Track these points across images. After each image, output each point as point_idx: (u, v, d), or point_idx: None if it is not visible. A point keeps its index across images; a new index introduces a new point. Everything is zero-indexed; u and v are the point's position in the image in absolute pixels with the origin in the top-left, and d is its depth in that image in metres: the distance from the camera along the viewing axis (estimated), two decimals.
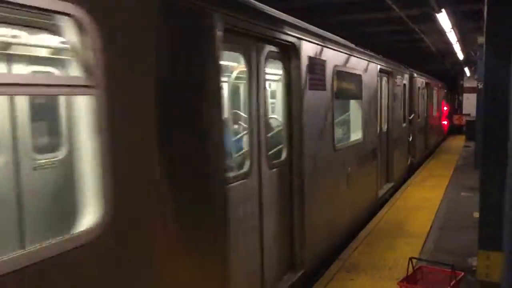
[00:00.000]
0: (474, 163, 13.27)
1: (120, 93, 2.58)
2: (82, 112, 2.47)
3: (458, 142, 23.01)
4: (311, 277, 5.55)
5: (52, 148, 4.47)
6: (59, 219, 2.56)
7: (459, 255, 6.36)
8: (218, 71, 3.56)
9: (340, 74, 6.69)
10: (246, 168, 4.34)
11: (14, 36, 3.72)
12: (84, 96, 2.41)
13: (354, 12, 11.93)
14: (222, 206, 3.64)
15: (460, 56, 19.32)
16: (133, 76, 2.71)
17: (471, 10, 11.44)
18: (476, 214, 6.25)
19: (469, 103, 24.48)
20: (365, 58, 8.19)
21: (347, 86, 7.22)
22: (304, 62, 5.30)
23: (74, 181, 2.65)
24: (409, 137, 13.04)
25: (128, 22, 2.67)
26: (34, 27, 3.04)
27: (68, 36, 2.33)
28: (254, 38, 4.35)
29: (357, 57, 7.67)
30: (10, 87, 2.20)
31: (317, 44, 5.77)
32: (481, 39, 11.79)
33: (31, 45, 3.98)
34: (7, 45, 3.87)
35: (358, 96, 7.88)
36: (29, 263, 2.02)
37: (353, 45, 7.61)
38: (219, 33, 3.51)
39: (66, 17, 2.27)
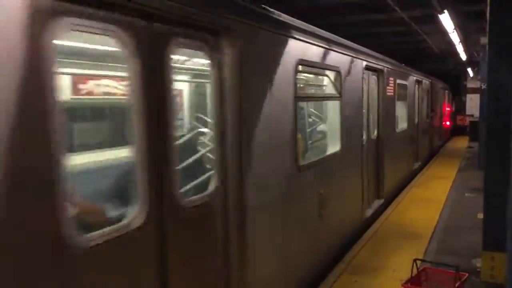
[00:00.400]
0: (478, 164, 13.25)
1: (346, 100, 6.64)
2: (336, 107, 6.50)
3: (461, 143, 22.94)
4: (385, 204, 9.37)
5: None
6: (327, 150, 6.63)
7: (463, 256, 6.36)
8: (363, 89, 7.74)
9: (399, 85, 10.67)
10: (364, 137, 7.93)
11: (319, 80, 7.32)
12: (338, 101, 6.43)
13: (356, 13, 11.94)
14: (360, 154, 7.62)
15: (463, 56, 19.28)
16: (348, 93, 6.74)
17: (473, 10, 11.42)
18: (480, 215, 6.24)
19: (472, 103, 24.43)
20: (410, 73, 12.40)
21: (401, 92, 11.08)
22: (385, 80, 9.31)
23: (330, 135, 6.75)
24: (430, 130, 16.92)
25: (350, 73, 6.83)
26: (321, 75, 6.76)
27: (335, 78, 6.35)
28: (367, 68, 8.03)
29: (406, 73, 11.88)
30: (316, 99, 7.62)
31: (390, 68, 9.79)
32: (484, 40, 11.79)
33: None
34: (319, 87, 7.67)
35: (405, 99, 11.72)
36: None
37: (405, 67, 12.08)
38: (364, 70, 7.69)
39: (337, 72, 6.31)
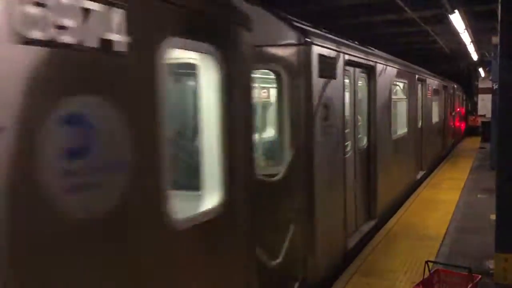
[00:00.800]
0: (490, 164, 13.13)
1: (409, 101, 10.73)
2: (405, 105, 10.56)
3: (473, 143, 22.75)
4: (426, 174, 13.04)
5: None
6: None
7: (476, 258, 6.30)
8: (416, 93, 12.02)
9: (433, 90, 14.39)
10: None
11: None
12: (405, 101, 10.57)
13: (366, 14, 11.91)
14: (413, 137, 11.26)
15: (475, 56, 19.14)
16: (410, 96, 10.80)
17: (485, 10, 11.34)
18: (493, 216, 6.18)
19: (484, 104, 24.22)
20: (440, 81, 16.30)
21: (434, 95, 14.81)
22: (426, 86, 13.04)
23: (401, 123, 10.48)
24: (452, 125, 20.21)
25: (410, 84, 10.89)
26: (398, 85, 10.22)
27: (403, 87, 10.53)
28: (418, 79, 11.83)
29: (438, 80, 15.68)
30: (397, 100, 10.15)
31: (429, 78, 13.64)
32: (496, 39, 11.69)
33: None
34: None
35: (437, 100, 15.49)
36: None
37: (439, 76, 16.47)
38: (416, 81, 11.67)
39: (404, 83, 10.39)
